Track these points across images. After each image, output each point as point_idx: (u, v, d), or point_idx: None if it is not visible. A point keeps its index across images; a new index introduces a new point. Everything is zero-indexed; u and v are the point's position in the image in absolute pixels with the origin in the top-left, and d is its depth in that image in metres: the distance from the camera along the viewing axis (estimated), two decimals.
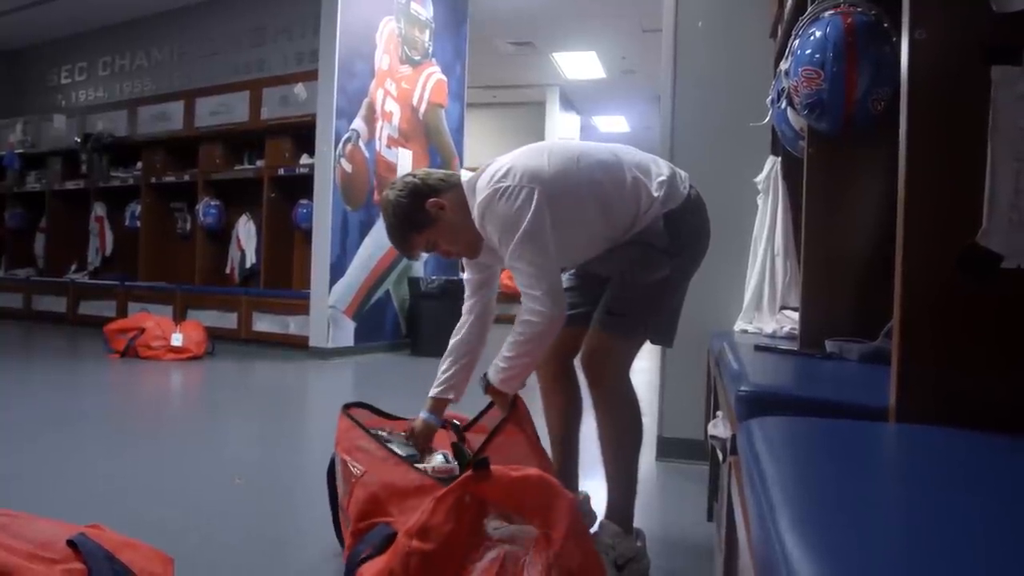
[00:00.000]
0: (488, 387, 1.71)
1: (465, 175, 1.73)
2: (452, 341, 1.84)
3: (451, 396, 1.82)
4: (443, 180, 1.73)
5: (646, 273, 1.68)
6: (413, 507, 1.40)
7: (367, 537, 1.46)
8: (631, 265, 1.69)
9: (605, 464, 1.73)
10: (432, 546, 1.32)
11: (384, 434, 1.72)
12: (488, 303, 1.87)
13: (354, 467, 1.57)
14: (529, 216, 1.56)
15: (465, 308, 1.86)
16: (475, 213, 1.66)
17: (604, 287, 1.75)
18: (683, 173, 1.75)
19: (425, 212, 1.69)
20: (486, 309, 1.86)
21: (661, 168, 1.70)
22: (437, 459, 1.68)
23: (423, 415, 1.79)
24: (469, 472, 1.38)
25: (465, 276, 1.89)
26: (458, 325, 1.86)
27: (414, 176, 1.74)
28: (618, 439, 1.72)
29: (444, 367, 1.83)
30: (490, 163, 1.69)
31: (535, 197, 1.57)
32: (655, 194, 1.64)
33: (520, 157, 1.66)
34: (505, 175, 1.60)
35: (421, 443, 1.75)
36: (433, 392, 1.81)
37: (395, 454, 1.56)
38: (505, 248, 1.59)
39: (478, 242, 1.72)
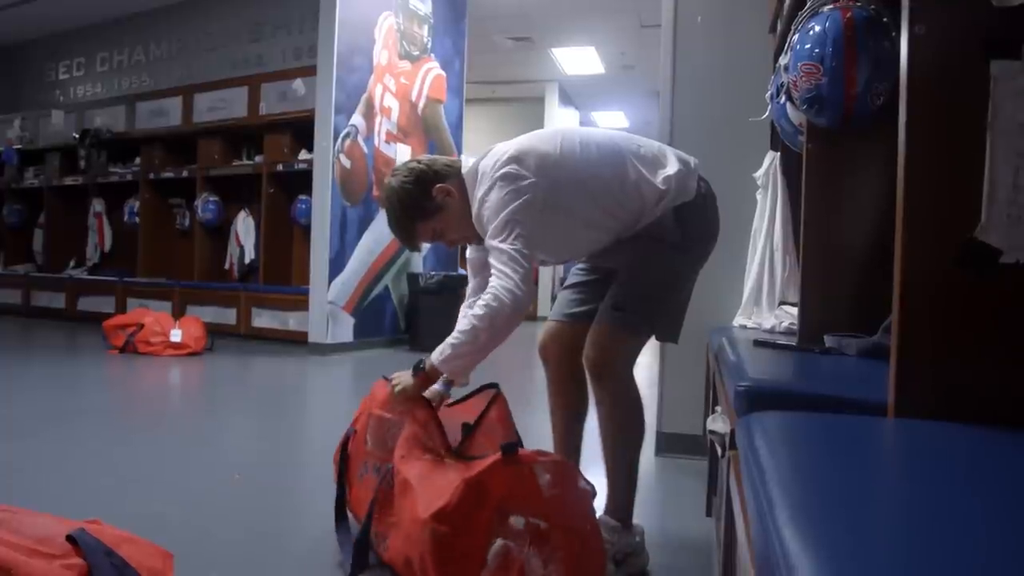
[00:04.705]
0: (421, 371, 1.59)
1: (467, 162, 1.68)
2: (460, 315, 1.74)
3: None
4: (448, 166, 1.68)
5: (654, 268, 1.65)
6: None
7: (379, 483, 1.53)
8: (639, 260, 1.66)
9: (606, 460, 1.72)
10: (455, 530, 1.32)
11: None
12: None
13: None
14: (521, 201, 1.51)
15: (471, 289, 1.81)
16: (475, 204, 1.60)
17: (610, 282, 1.71)
18: (694, 162, 1.69)
19: (431, 199, 1.64)
20: None
21: (668, 162, 1.65)
22: None
23: (436, 387, 1.70)
24: (498, 456, 1.37)
25: (468, 255, 1.83)
26: (464, 305, 1.78)
27: (418, 162, 1.68)
28: (620, 435, 1.70)
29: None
30: (491, 148, 1.64)
31: (533, 188, 1.53)
32: (661, 188, 1.60)
33: (525, 142, 1.62)
34: (509, 160, 1.55)
35: (404, 398, 1.63)
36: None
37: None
38: (491, 225, 1.53)
39: None
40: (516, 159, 1.55)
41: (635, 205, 1.62)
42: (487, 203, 1.55)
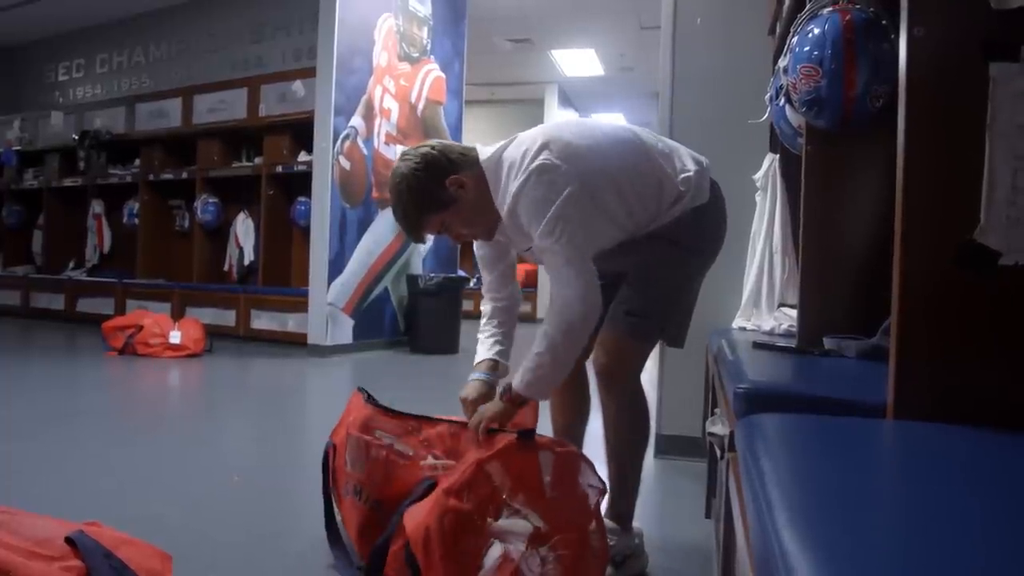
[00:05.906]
0: (509, 396, 1.49)
1: (483, 152, 1.56)
2: (485, 313, 1.73)
3: (502, 357, 1.69)
4: (463, 155, 1.55)
5: (669, 272, 1.62)
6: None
7: (413, 489, 1.50)
8: (654, 263, 1.62)
9: (608, 462, 1.70)
10: (469, 507, 1.33)
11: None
12: (510, 276, 1.74)
13: (381, 437, 1.59)
14: (564, 196, 1.41)
15: (487, 286, 1.73)
16: (506, 199, 1.49)
17: (617, 286, 1.66)
18: (706, 162, 1.65)
19: (444, 190, 1.51)
20: (512, 291, 1.74)
21: (685, 162, 1.61)
22: None
23: (474, 376, 1.63)
24: (514, 438, 1.38)
25: (478, 253, 1.74)
26: (484, 302, 1.74)
27: (431, 147, 1.54)
28: (625, 440, 1.68)
29: (486, 334, 1.69)
30: (512, 139, 1.55)
31: (570, 177, 1.43)
32: (681, 188, 1.57)
33: (551, 131, 1.53)
34: (539, 151, 1.45)
35: (472, 408, 1.56)
36: (481, 356, 1.67)
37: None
38: (536, 227, 1.43)
39: (496, 224, 1.59)
40: (548, 148, 1.45)
41: (653, 199, 1.58)
42: (525, 199, 1.45)
